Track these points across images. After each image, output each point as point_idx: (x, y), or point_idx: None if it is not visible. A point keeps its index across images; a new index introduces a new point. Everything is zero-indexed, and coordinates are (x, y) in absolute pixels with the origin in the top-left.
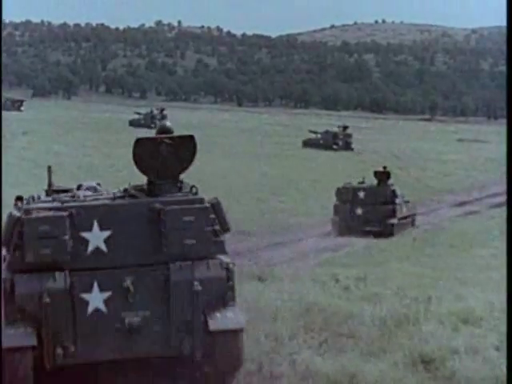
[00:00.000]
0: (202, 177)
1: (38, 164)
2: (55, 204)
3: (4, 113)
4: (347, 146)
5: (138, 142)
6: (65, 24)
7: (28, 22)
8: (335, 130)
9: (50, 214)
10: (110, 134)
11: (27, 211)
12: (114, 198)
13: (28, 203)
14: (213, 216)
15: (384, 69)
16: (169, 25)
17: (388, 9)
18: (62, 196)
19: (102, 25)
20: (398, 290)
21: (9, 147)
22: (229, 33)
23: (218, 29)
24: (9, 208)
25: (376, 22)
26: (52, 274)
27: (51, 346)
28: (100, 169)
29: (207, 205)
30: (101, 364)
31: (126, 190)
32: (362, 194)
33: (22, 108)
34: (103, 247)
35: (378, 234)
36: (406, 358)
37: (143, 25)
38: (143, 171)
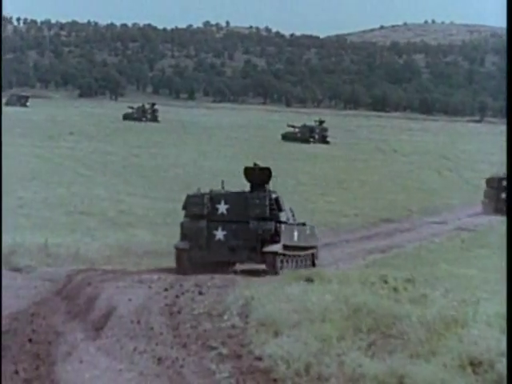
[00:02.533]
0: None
1: (84, 163)
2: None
3: (13, 108)
4: (323, 140)
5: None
6: (111, 24)
7: (74, 23)
8: (312, 124)
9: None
10: (157, 134)
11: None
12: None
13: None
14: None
15: (433, 69)
16: (217, 25)
17: (438, 9)
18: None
19: (149, 25)
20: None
21: (56, 147)
22: (277, 33)
23: (267, 29)
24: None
25: (426, 22)
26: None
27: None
28: (146, 169)
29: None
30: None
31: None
32: (504, 183)
33: (28, 104)
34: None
35: None
36: (455, 361)
37: (191, 25)
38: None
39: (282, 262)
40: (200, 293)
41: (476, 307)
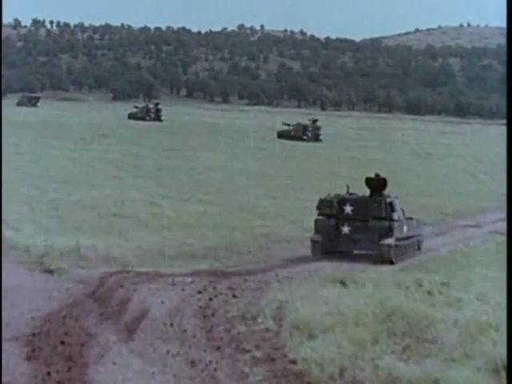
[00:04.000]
0: (280, 182)
1: (116, 166)
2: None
3: (22, 108)
4: (316, 138)
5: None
6: (145, 27)
7: (107, 26)
8: (306, 122)
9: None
10: (192, 137)
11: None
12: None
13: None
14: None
15: (468, 73)
16: (251, 28)
17: (473, 12)
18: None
19: (184, 28)
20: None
21: (88, 149)
22: (312, 36)
23: (302, 32)
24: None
25: (461, 25)
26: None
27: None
28: (180, 171)
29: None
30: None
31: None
32: None
33: (38, 104)
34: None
35: None
36: (489, 364)
37: (225, 28)
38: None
39: (394, 251)
40: (234, 295)
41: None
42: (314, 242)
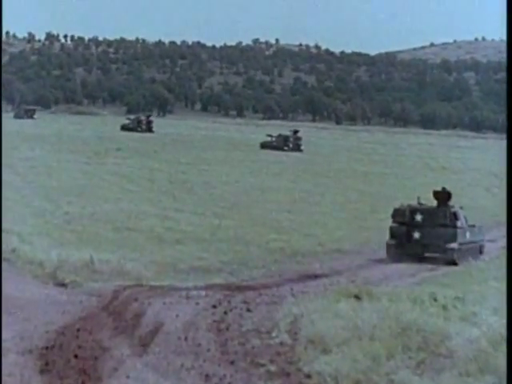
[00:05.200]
0: (295, 196)
1: (131, 179)
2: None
3: (19, 120)
4: (297, 148)
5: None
6: (160, 41)
7: (122, 40)
8: (288, 133)
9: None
10: (206, 151)
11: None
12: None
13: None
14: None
15: (484, 87)
16: (266, 43)
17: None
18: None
19: (198, 42)
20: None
21: (102, 163)
22: (327, 50)
23: (317, 46)
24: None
25: (476, 39)
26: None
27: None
28: (194, 185)
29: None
30: None
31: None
32: None
33: (35, 116)
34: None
35: None
36: (504, 380)
37: (240, 43)
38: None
39: (458, 254)
40: (248, 309)
41: None
42: (388, 245)
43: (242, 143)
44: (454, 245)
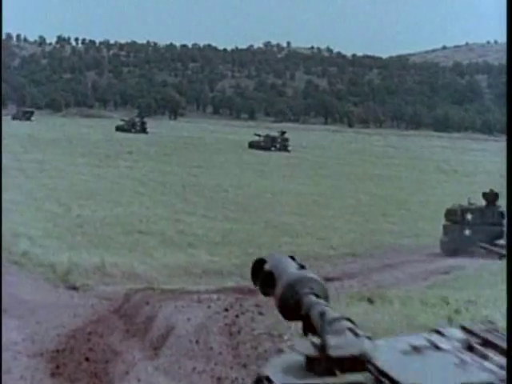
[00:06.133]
0: (306, 199)
1: (142, 182)
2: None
3: (17, 122)
4: (284, 148)
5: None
6: (171, 45)
7: (133, 43)
8: (275, 134)
9: None
10: (219, 154)
11: None
12: None
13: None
14: None
15: (496, 90)
16: (278, 46)
17: (500, 29)
18: None
19: (210, 46)
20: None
21: (113, 166)
22: (339, 54)
23: (328, 49)
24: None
25: (488, 42)
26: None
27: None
28: (206, 189)
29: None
30: None
31: None
32: None
33: (33, 118)
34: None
35: None
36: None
37: (252, 46)
38: None
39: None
40: (260, 313)
41: None
42: (442, 242)
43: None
44: (501, 241)
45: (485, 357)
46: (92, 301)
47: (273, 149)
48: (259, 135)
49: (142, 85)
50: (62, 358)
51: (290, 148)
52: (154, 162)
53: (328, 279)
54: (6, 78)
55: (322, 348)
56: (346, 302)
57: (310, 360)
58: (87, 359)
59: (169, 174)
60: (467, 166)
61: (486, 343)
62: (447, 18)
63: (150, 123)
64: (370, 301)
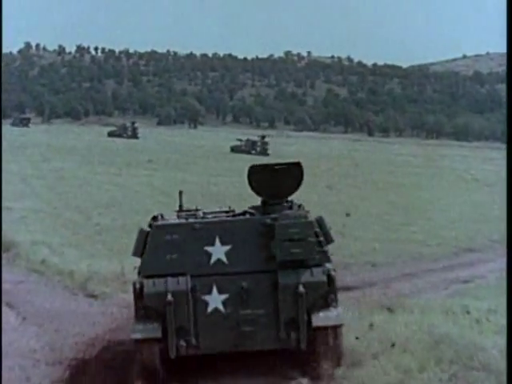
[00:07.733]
0: (329, 207)
1: (162, 191)
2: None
3: (14, 128)
4: (264, 152)
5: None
6: (191, 54)
7: (153, 52)
8: (256, 138)
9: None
10: (239, 162)
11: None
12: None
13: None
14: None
15: None
16: (298, 55)
17: None
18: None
19: (230, 55)
20: None
21: (134, 175)
22: (359, 63)
23: (349, 59)
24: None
25: None
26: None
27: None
28: (226, 197)
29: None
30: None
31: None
32: None
33: (30, 125)
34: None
35: None
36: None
37: (272, 55)
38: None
39: None
40: None
41: None
42: None
43: (274, 154)
44: None
45: None
46: (111, 309)
47: (253, 152)
48: (241, 140)
49: (162, 94)
50: (82, 367)
51: (269, 152)
52: (175, 171)
53: (348, 288)
54: (26, 86)
55: None
56: (367, 310)
57: None
58: (106, 367)
59: (188, 182)
60: (488, 175)
61: None
62: (467, 28)
63: (169, 132)
64: (390, 310)
